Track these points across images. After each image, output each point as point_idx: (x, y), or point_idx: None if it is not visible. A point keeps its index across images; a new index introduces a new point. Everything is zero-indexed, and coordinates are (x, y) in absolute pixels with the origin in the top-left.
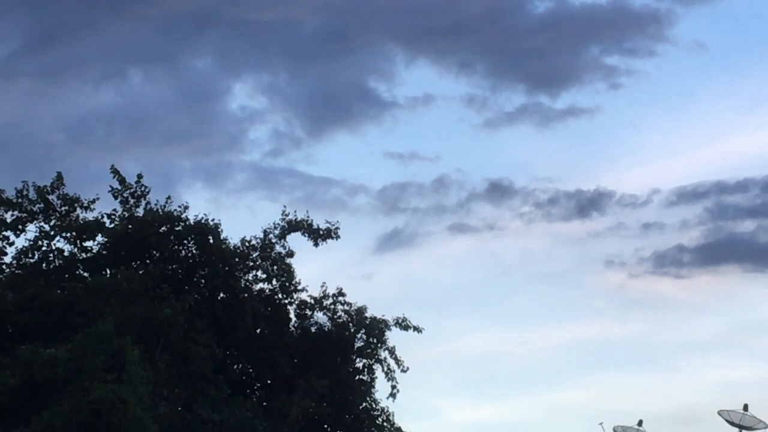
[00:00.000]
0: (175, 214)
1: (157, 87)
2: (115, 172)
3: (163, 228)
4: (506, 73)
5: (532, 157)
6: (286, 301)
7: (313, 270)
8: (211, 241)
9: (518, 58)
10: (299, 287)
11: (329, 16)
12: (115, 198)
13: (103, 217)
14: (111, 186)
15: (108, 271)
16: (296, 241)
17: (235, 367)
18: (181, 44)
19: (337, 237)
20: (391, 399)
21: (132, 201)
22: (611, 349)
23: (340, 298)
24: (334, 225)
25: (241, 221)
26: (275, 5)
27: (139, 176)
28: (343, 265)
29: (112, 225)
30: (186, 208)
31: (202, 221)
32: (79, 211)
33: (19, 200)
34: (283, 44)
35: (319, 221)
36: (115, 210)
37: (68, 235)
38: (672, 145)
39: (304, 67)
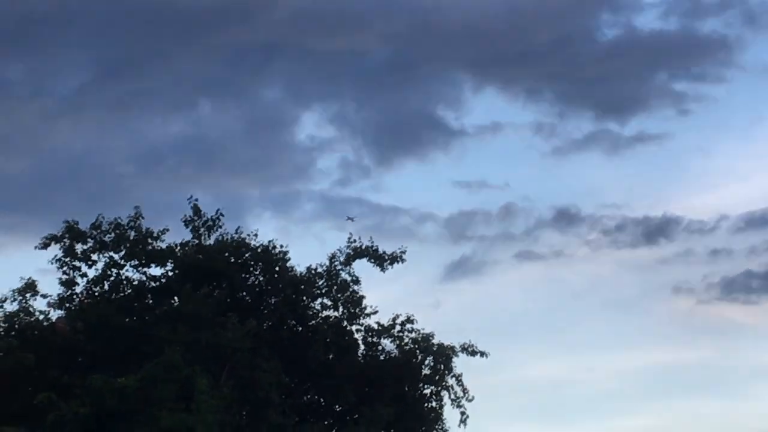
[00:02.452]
0: (243, 241)
1: (226, 117)
2: (194, 206)
3: (231, 257)
4: (574, 100)
5: (599, 184)
6: (353, 329)
7: (381, 298)
8: (278, 268)
9: (586, 85)
10: (366, 313)
11: (396, 45)
12: (187, 227)
13: (174, 246)
14: (185, 215)
15: (176, 299)
16: (364, 268)
17: (304, 394)
18: (249, 74)
19: (403, 261)
20: (462, 426)
21: (203, 231)
22: (680, 375)
23: (408, 326)
24: (400, 249)
25: (309, 250)
26: (342, 35)
27: (218, 212)
28: (410, 293)
29: (182, 253)
30: (255, 235)
31: (270, 248)
32: (150, 241)
33: (93, 233)
34: (351, 74)
35: (386, 249)
36: (185, 240)
37: (137, 263)
38: (740, 171)
39: (372, 96)
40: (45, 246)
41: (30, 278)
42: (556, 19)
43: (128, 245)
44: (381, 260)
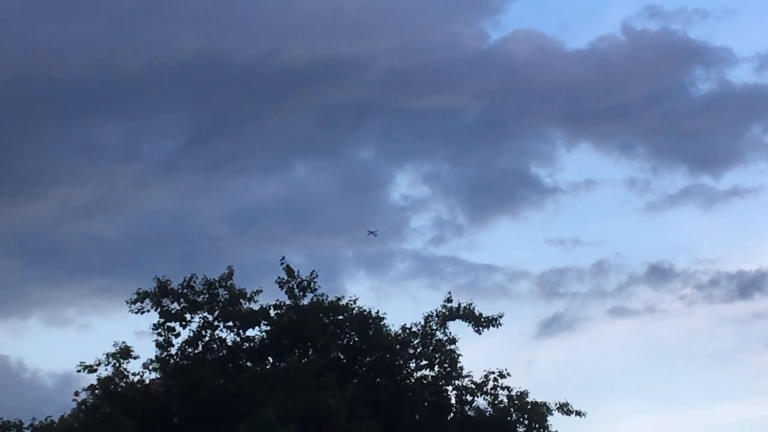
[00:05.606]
0: (341, 304)
1: (320, 178)
2: (287, 267)
3: (327, 318)
4: (668, 155)
5: (693, 239)
6: (448, 387)
7: (475, 356)
8: (373, 329)
9: (680, 139)
10: (462, 373)
11: (489, 103)
12: (281, 288)
13: (268, 307)
14: (279, 277)
15: (270, 360)
16: (457, 326)
17: None
18: (342, 135)
19: (499, 325)
20: None
21: (298, 292)
22: None
23: (500, 381)
24: (497, 314)
25: (403, 309)
26: (435, 94)
27: (313, 273)
28: (504, 351)
29: (276, 314)
30: (355, 301)
31: (365, 312)
32: (242, 302)
33: (185, 291)
34: (444, 132)
35: (482, 308)
36: (279, 300)
37: (231, 324)
38: None
39: (464, 155)
40: (137, 302)
41: (123, 343)
42: (649, 74)
43: (222, 306)
44: (477, 322)
